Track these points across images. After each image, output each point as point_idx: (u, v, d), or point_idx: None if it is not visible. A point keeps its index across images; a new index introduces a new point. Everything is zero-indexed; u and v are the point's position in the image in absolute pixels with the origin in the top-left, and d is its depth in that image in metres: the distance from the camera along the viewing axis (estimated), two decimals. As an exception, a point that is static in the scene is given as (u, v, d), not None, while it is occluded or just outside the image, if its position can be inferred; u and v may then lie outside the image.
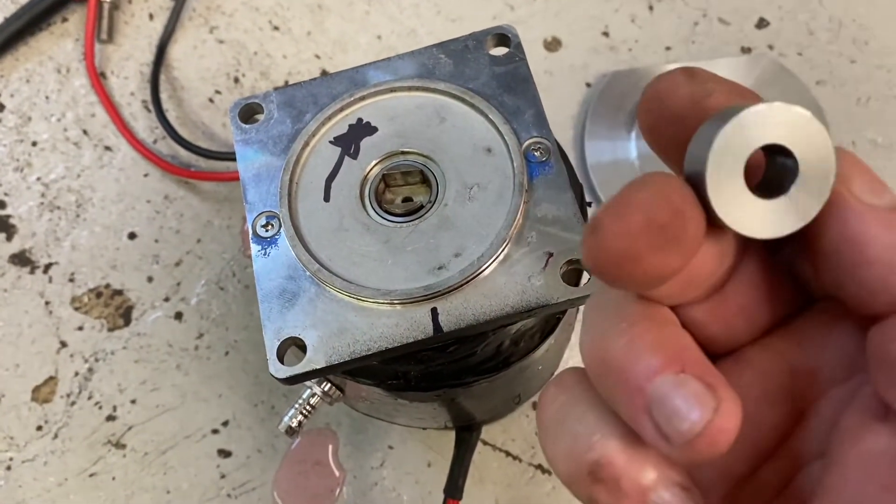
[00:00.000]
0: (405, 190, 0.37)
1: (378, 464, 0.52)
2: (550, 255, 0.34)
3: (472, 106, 0.37)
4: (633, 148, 0.59)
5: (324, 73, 0.62)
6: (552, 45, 0.63)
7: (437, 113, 0.38)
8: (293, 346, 0.34)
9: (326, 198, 0.36)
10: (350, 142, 0.37)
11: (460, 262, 0.34)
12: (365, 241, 0.35)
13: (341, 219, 0.36)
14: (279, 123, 0.38)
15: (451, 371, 0.36)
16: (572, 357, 0.54)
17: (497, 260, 0.34)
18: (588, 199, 0.41)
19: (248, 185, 0.37)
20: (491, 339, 0.36)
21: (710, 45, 0.63)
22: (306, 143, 0.37)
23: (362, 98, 0.38)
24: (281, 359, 0.33)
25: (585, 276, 0.33)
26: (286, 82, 0.62)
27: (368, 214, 0.36)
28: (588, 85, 0.62)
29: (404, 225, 0.36)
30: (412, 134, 0.37)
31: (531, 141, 0.36)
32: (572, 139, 0.60)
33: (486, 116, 0.37)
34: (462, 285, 0.33)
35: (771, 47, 0.63)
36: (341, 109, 0.38)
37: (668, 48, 0.63)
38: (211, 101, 0.61)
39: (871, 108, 0.61)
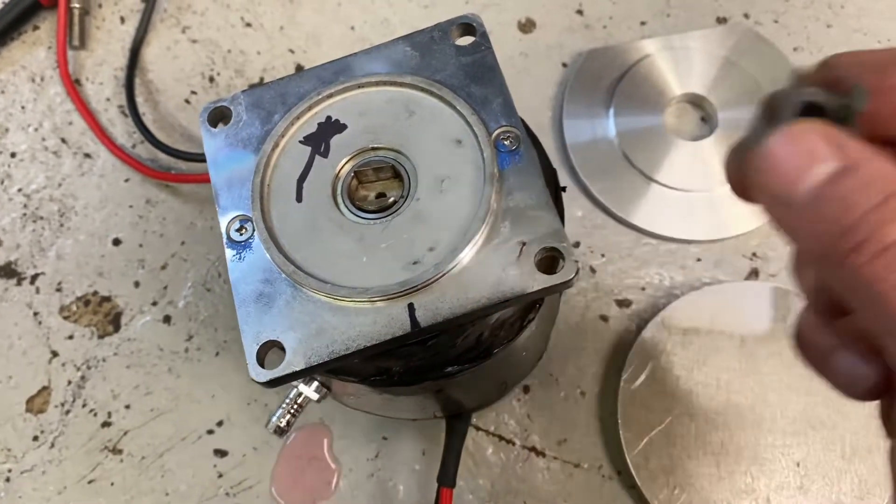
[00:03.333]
0: (378, 186, 0.37)
1: (373, 455, 0.52)
2: (524, 244, 0.34)
3: (440, 98, 0.37)
4: (611, 126, 0.59)
5: (299, 67, 0.62)
6: (526, 26, 0.63)
7: (406, 107, 0.38)
8: (273, 349, 0.34)
9: (299, 198, 0.36)
10: (320, 140, 0.37)
11: (435, 256, 0.34)
12: (339, 240, 0.35)
13: (314, 219, 0.36)
14: (248, 126, 0.38)
15: (433, 364, 0.36)
16: (558, 344, 0.54)
17: (471, 252, 0.34)
18: (563, 183, 0.40)
19: (219, 189, 0.37)
20: (470, 331, 0.36)
21: (685, 17, 0.62)
22: (276, 144, 0.37)
23: (330, 95, 0.38)
24: (261, 362, 0.33)
25: (560, 263, 0.33)
26: (261, 79, 0.62)
27: (342, 213, 0.36)
28: (564, 65, 0.62)
29: (378, 221, 0.36)
30: (382, 129, 0.37)
31: (500, 130, 0.36)
32: (550, 120, 0.60)
33: (455, 108, 0.37)
34: (437, 279, 0.33)
35: (746, 16, 0.63)
36: (310, 108, 0.38)
37: (643, 23, 0.62)
38: (187, 101, 0.61)
39: (849, 73, 0.60)
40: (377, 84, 0.38)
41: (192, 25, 0.63)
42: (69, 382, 0.54)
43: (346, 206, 0.36)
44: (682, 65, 0.59)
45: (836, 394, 0.52)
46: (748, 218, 0.56)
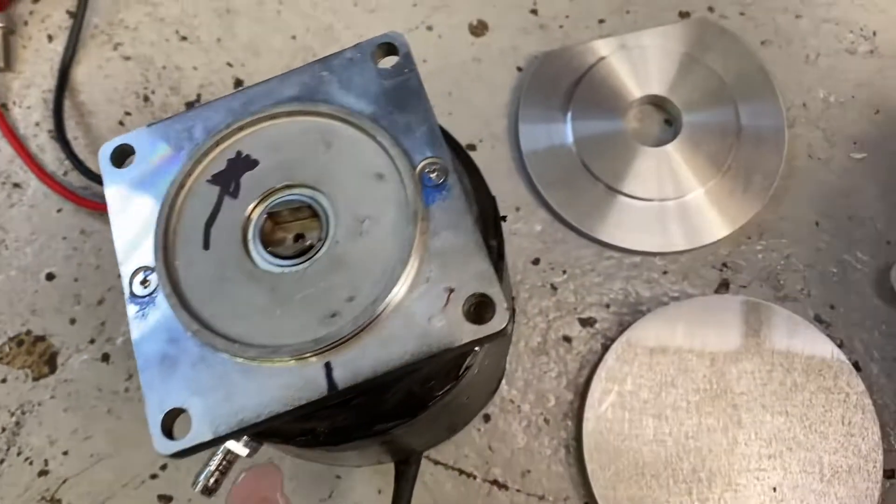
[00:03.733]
0: (297, 226, 0.34)
1: (326, 495, 0.49)
2: (451, 290, 0.31)
3: (359, 128, 0.34)
4: (569, 132, 0.55)
5: (238, 81, 0.58)
6: (478, 29, 0.59)
7: (323, 138, 0.34)
8: (181, 416, 0.31)
9: (206, 245, 0.33)
10: (229, 179, 0.34)
11: (354, 307, 0.31)
12: (250, 292, 0.32)
13: (224, 268, 0.33)
14: (154, 164, 0.35)
15: (361, 423, 0.33)
16: (519, 369, 0.51)
17: (393, 302, 0.31)
18: (503, 213, 0.37)
19: (120, 237, 0.33)
20: (398, 386, 0.33)
21: (645, 13, 0.59)
22: (181, 185, 0.34)
23: (240, 128, 0.35)
24: (168, 432, 0.30)
25: (491, 311, 0.30)
26: (199, 96, 0.58)
27: (253, 261, 0.33)
28: (519, 69, 0.58)
29: (292, 269, 0.32)
30: (297, 164, 0.34)
31: (425, 162, 0.33)
32: (506, 129, 0.57)
33: (374, 139, 0.33)
34: (357, 333, 0.30)
35: (711, 9, 0.59)
36: (218, 143, 0.35)
37: (601, 21, 0.59)
38: (121, 123, 0.58)
39: (820, 66, 0.57)
40: (291, 114, 0.35)
41: (125, 41, 0.60)
42: (3, 429, 0.51)
43: (259, 253, 0.33)
44: (640, 65, 0.56)
45: (813, 411, 0.50)
46: (717, 226, 0.53)
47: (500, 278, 0.34)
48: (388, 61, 0.35)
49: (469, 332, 0.30)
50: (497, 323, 0.30)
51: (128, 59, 0.59)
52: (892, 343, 0.51)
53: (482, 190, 0.37)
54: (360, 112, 0.34)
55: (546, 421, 0.50)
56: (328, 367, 0.30)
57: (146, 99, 0.58)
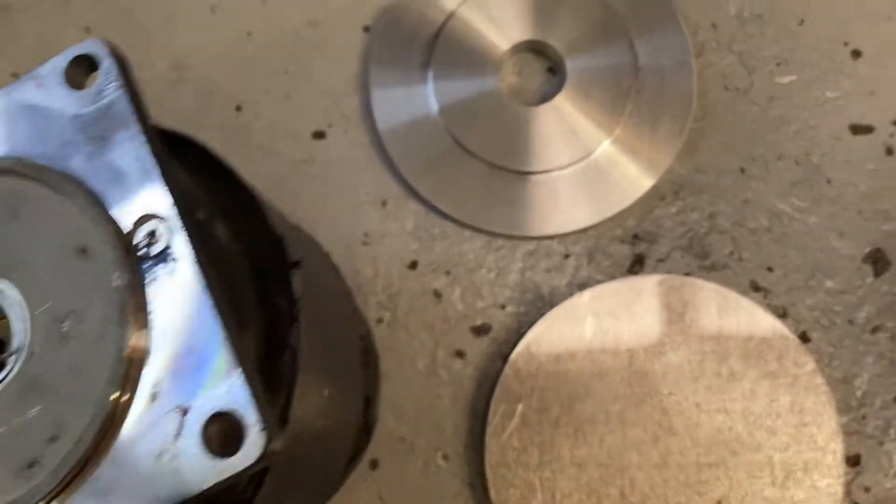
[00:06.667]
0: (-6, 329, 0.25)
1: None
2: (185, 410, 0.22)
3: (47, 184, 0.24)
4: (432, 98, 0.45)
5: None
6: (311, -15, 0.49)
7: (8, 204, 0.25)
8: None
9: None
10: None
11: (58, 449, 0.22)
12: (-78, 442, 0.23)
13: None
14: None
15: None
16: (407, 397, 0.42)
17: (108, 436, 0.22)
18: (293, 254, 0.28)
19: None
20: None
21: (511, -62, 0.48)
22: None
23: None
24: None
25: (242, 435, 0.21)
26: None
27: (-72, 393, 0.24)
28: (366, 29, 0.48)
29: (-25, 401, 0.23)
30: (-24, 246, 0.24)
31: (139, 223, 0.23)
32: (359, 107, 0.47)
33: (69, 198, 0.24)
34: (63, 489, 0.21)
35: (590, -79, 0.48)
36: None
37: (458, -45, 0.48)
38: None
39: (727, -26, 0.47)
40: (-41, 176, 0.25)
41: None
42: None
43: (-64, 381, 0.24)
44: (507, 5, 0.46)
45: (756, 404, 0.41)
46: (621, 191, 0.44)
47: (272, 371, 0.25)
48: (91, 79, 0.26)
49: (212, 469, 0.21)
50: (249, 452, 0.21)
51: None
52: (839, 302, 0.42)
53: (260, 230, 0.28)
54: (43, 162, 0.24)
55: (445, 457, 0.42)
56: (28, 542, 0.22)
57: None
